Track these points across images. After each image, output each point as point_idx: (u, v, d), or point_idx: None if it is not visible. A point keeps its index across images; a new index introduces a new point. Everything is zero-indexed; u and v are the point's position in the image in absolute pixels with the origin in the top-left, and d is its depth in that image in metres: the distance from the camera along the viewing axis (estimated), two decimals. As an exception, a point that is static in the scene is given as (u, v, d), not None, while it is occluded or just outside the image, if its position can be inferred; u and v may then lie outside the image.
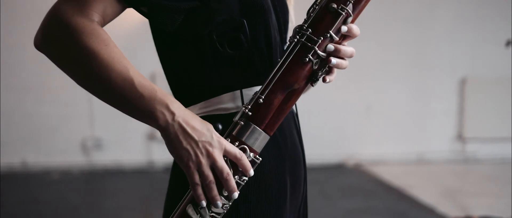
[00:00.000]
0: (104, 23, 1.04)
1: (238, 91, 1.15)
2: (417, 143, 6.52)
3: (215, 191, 1.02)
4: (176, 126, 1.00)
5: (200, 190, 1.02)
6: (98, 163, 6.01)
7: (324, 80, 1.10)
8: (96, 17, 1.01)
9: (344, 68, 1.10)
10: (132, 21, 5.66)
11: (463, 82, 6.49)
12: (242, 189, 1.10)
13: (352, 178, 5.78)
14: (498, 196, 4.85)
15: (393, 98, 6.44)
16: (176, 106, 1.01)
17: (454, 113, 6.57)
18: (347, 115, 6.36)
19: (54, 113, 5.89)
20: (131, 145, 5.97)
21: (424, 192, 4.99)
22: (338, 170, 6.14)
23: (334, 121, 6.32)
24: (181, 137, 1.00)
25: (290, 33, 1.28)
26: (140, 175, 5.70)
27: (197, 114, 1.15)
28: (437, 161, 6.44)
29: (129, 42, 5.47)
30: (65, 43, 0.98)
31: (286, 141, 1.21)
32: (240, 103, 1.14)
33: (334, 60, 1.07)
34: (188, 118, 1.01)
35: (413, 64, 6.43)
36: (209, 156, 1.01)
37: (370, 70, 6.23)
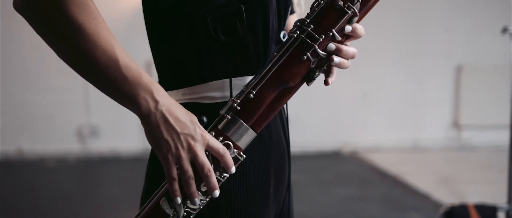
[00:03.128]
0: None
1: (227, 80, 1.08)
2: (413, 131, 6.53)
3: (193, 187, 0.96)
4: (158, 115, 0.94)
5: (176, 185, 0.96)
6: (94, 150, 6.01)
7: (326, 83, 1.05)
8: None
9: (346, 68, 1.04)
10: (129, 7, 5.64)
11: (458, 70, 6.50)
12: (224, 185, 1.04)
13: (348, 166, 5.80)
14: (493, 183, 4.86)
15: (389, 86, 6.44)
16: (161, 94, 0.95)
17: (450, 101, 6.58)
18: (343, 103, 6.36)
19: (50, 101, 5.89)
20: (127, 132, 5.96)
21: (419, 179, 5.00)
22: (334, 157, 6.16)
23: (330, 109, 6.33)
24: (163, 127, 0.94)
25: (291, 20, 1.22)
26: (136, 162, 5.69)
27: (180, 100, 1.09)
28: (432, 148, 6.46)
29: (126, 28, 5.45)
30: (48, 10, 0.89)
31: (272, 137, 1.16)
32: (228, 93, 1.08)
33: (336, 58, 1.01)
34: (172, 107, 0.95)
35: (409, 51, 6.43)
36: (190, 150, 0.95)
37: (366, 57, 6.22)
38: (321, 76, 1.06)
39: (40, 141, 5.93)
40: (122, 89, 0.93)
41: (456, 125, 6.61)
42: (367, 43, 6.12)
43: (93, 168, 5.61)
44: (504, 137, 6.29)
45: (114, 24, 5.58)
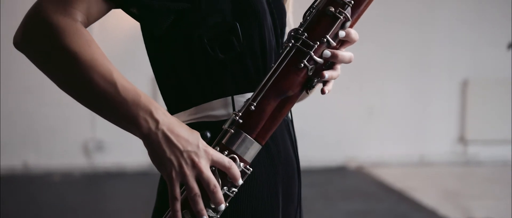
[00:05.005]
0: (88, 23, 0.99)
1: (229, 98, 1.09)
2: (419, 145, 6.51)
3: (201, 204, 0.96)
4: (160, 134, 0.94)
5: (177, 205, 0.95)
6: (99, 165, 6.01)
7: (322, 92, 1.06)
8: (79, 16, 0.96)
9: (334, 79, 1.06)
10: (131, 24, 5.65)
11: (464, 84, 6.48)
12: (233, 201, 1.03)
13: (354, 180, 5.78)
14: (499, 198, 4.84)
15: (395, 100, 6.43)
16: (161, 113, 0.95)
17: (456, 115, 6.57)
18: (349, 117, 6.35)
19: (55, 114, 5.90)
20: (133, 146, 5.93)
21: (425, 194, 4.98)
22: (339, 172, 6.14)
23: (336, 123, 6.31)
24: (165, 146, 0.94)
25: (286, 37, 1.23)
26: (142, 177, 5.69)
27: (185, 121, 1.09)
28: (438, 163, 6.44)
29: (129, 45, 5.46)
30: (45, 43, 0.94)
31: (279, 151, 1.15)
32: (231, 110, 1.08)
33: (327, 73, 1.02)
34: (173, 126, 0.95)
35: (414, 66, 6.43)
36: (195, 167, 0.94)
37: (372, 72, 6.23)
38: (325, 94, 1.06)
39: (46, 155, 5.93)
40: (121, 112, 0.94)
41: (462, 139, 6.59)
42: (373, 58, 6.13)
43: (99, 183, 5.60)
44: (510, 152, 6.28)
45: (116, 44, 5.59)
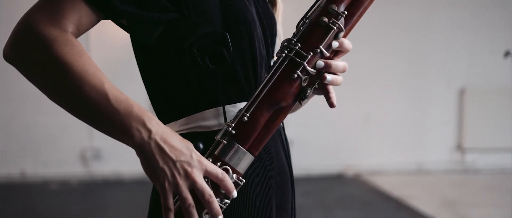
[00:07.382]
0: (78, 34, 0.98)
1: (220, 108, 1.08)
2: (416, 153, 6.51)
3: (195, 216, 0.94)
4: (152, 144, 0.93)
5: (171, 216, 0.94)
6: (97, 173, 6.00)
7: (331, 105, 1.05)
8: (70, 27, 0.95)
9: (339, 84, 1.05)
10: (127, 34, 5.66)
11: (461, 92, 6.49)
12: (225, 212, 1.01)
13: (351, 188, 5.78)
14: (497, 206, 4.84)
15: (392, 108, 6.44)
16: (154, 123, 0.94)
17: (453, 123, 6.57)
18: (346, 125, 6.35)
19: (53, 123, 5.89)
20: (130, 155, 5.91)
21: (423, 202, 4.98)
22: (337, 180, 6.13)
23: (333, 131, 6.31)
24: (158, 156, 0.93)
25: (277, 47, 1.22)
26: (140, 185, 5.68)
27: (177, 131, 1.08)
28: (436, 171, 6.44)
29: (126, 54, 5.47)
30: (36, 54, 0.93)
31: (272, 161, 1.14)
32: (222, 121, 1.07)
33: (328, 77, 1.02)
34: (166, 135, 0.94)
35: (411, 73, 6.44)
36: (188, 177, 0.93)
37: (369, 80, 6.24)
38: (323, 102, 1.05)
39: (43, 164, 5.92)
40: (114, 122, 0.93)
41: (459, 147, 6.59)
42: (370, 66, 6.15)
43: (96, 191, 5.59)
44: (507, 160, 6.29)
45: (114, 53, 5.60)
